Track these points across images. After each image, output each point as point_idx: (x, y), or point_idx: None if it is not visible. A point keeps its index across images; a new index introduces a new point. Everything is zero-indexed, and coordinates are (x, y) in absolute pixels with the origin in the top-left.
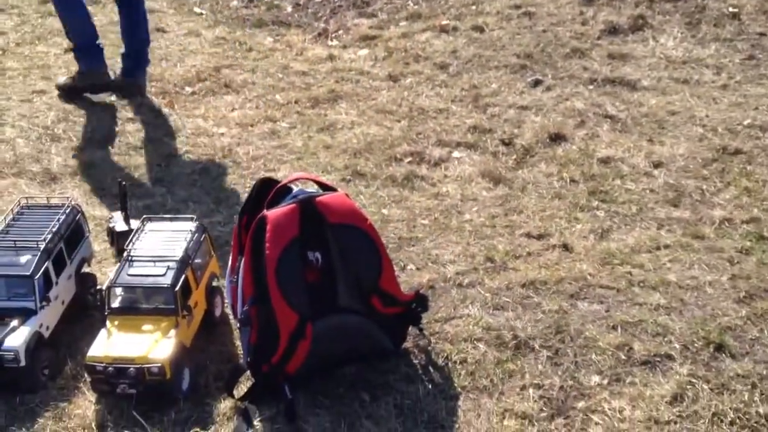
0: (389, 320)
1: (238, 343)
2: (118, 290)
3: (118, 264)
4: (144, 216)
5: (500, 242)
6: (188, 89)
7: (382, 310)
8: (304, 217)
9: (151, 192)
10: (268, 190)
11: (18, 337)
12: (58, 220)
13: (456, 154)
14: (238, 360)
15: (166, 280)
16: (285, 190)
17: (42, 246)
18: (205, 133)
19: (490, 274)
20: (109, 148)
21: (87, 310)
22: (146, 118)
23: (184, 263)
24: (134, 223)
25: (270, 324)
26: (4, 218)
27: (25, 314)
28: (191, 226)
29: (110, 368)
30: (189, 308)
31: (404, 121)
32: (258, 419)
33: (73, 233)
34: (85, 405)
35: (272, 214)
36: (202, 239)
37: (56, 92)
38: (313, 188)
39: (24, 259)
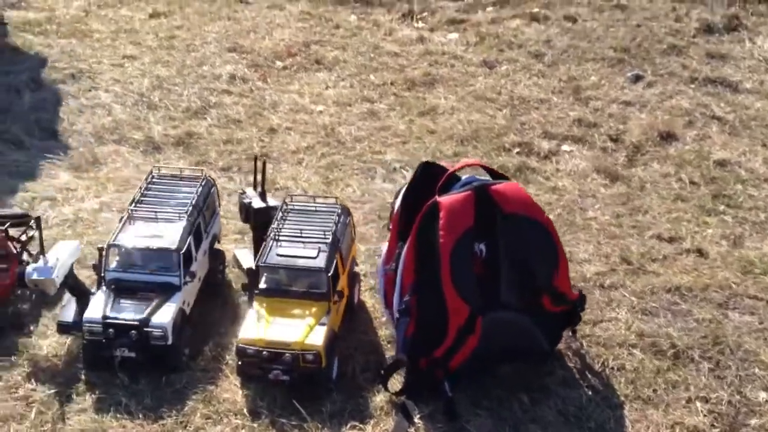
0: (552, 320)
1: (380, 332)
2: (268, 271)
3: (265, 243)
4: (286, 194)
5: (631, 243)
6: (279, 63)
7: (550, 309)
8: (479, 206)
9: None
10: (431, 175)
11: (165, 313)
12: (197, 192)
13: (565, 147)
14: (382, 351)
15: (319, 263)
16: (453, 177)
17: (185, 219)
18: (303, 110)
19: (631, 277)
20: (208, 119)
21: (216, 288)
22: (241, 90)
23: (335, 246)
24: (271, 201)
25: (437, 316)
26: (140, 188)
27: (169, 290)
28: (337, 207)
29: (264, 352)
30: (340, 293)
31: (506, 109)
32: (417, 416)
33: (209, 207)
34: (232, 389)
35: (446, 200)
36: (347, 222)
37: (147, 58)
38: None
39: (166, 231)
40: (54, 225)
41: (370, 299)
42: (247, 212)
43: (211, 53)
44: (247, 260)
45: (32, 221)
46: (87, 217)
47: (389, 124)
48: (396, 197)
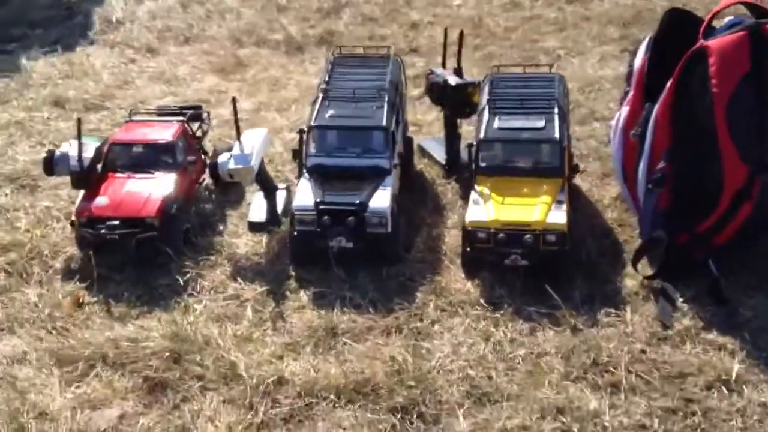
0: None
1: (607, 215)
2: (490, 146)
3: (478, 118)
4: (492, 65)
5: None
6: None
7: None
8: (755, 48)
9: (409, 61)
10: (679, 24)
11: (383, 198)
12: (390, 70)
13: None
14: (614, 235)
15: (552, 134)
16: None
17: (385, 96)
18: (441, 4)
19: None
20: (343, 18)
21: (410, 178)
22: None
23: (562, 116)
24: (467, 77)
25: (706, 182)
26: (325, 70)
27: (378, 174)
28: (553, 76)
29: (500, 235)
30: (575, 167)
31: None
32: (680, 300)
33: (400, 88)
34: (460, 280)
35: (715, 43)
36: (566, 91)
37: None
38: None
39: (369, 111)
40: (215, 126)
41: (582, 180)
42: (441, 91)
43: None
44: (436, 149)
45: (205, 114)
46: (247, 117)
47: (537, 13)
48: (634, 54)
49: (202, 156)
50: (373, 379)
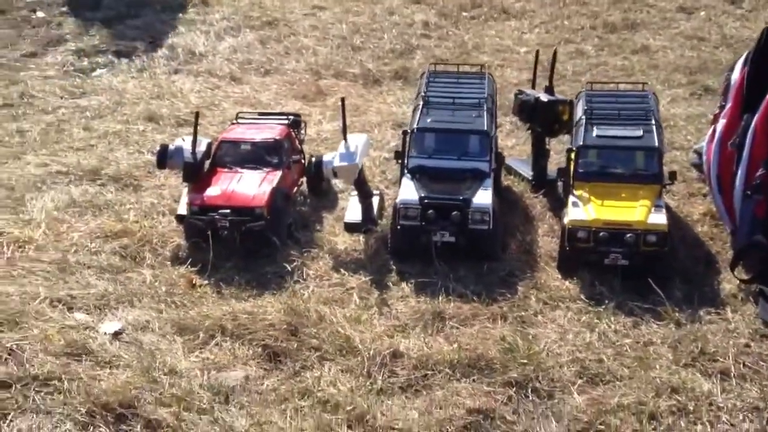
0: None
1: (698, 228)
2: (589, 153)
3: (577, 127)
4: (588, 81)
5: None
6: (465, 14)
7: None
8: None
9: None
10: None
11: (485, 196)
12: (487, 84)
13: None
14: (705, 247)
15: (650, 142)
16: None
17: (485, 105)
18: (508, 50)
19: None
20: (416, 58)
21: (497, 191)
22: (439, 35)
23: (660, 128)
24: (557, 95)
25: None
26: (424, 83)
27: (478, 176)
28: (647, 92)
29: (601, 233)
30: (673, 175)
31: (722, 47)
32: None
33: (495, 103)
34: (557, 278)
35: None
36: (659, 107)
37: (337, 9)
38: None
39: (469, 117)
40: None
41: (669, 199)
42: (532, 109)
43: (397, 5)
44: (522, 167)
45: (302, 122)
46: (330, 137)
47: (604, 60)
48: (731, 70)
49: (302, 160)
50: (486, 356)
